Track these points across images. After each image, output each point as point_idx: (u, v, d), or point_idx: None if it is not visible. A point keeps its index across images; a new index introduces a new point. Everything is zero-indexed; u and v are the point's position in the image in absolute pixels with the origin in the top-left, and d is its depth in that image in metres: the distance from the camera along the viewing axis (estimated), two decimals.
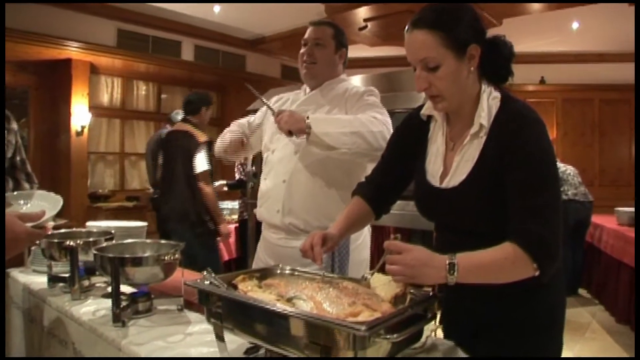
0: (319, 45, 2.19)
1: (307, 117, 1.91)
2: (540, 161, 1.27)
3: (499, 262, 1.21)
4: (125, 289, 1.77)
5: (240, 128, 2.36)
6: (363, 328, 0.92)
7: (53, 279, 2.14)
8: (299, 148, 2.08)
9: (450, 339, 1.41)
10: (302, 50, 2.21)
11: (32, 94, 6.52)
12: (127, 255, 1.74)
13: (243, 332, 1.20)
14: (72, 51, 6.23)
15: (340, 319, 1.00)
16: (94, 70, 6.72)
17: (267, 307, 1.10)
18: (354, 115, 2.00)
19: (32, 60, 6.17)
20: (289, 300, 1.19)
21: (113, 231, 2.26)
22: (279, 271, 1.51)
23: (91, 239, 2.07)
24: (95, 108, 6.89)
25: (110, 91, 7.37)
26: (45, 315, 2.02)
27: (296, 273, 1.50)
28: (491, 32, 1.41)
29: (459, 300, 1.37)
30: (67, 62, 6.26)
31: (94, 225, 2.58)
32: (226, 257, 5.63)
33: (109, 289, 1.86)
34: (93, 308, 1.81)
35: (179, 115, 6.00)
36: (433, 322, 1.27)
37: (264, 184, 2.25)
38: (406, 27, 1.36)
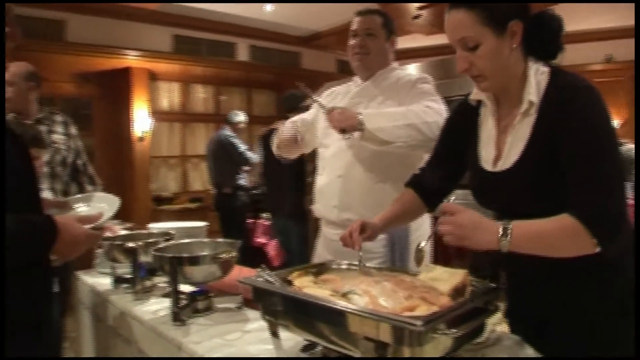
0: (371, 35, 2.14)
1: (359, 114, 1.87)
2: (595, 128, 1.19)
3: (555, 232, 1.15)
4: (185, 288, 1.80)
5: (294, 126, 2.34)
6: (419, 323, 0.87)
7: (117, 280, 2.20)
8: (353, 142, 2.04)
9: (517, 334, 1.33)
10: (352, 42, 2.17)
11: (96, 104, 6.77)
12: (184, 255, 1.75)
13: (298, 329, 1.18)
14: (131, 60, 6.43)
15: (395, 314, 0.96)
16: (152, 77, 6.90)
17: (320, 302, 1.07)
18: (407, 107, 1.94)
19: (94, 71, 6.40)
20: (344, 295, 1.16)
21: (173, 232, 2.30)
22: (335, 266, 1.48)
23: (151, 240, 2.12)
24: (156, 113, 7.07)
25: (169, 96, 7.56)
26: (110, 315, 2.07)
27: (353, 268, 1.46)
28: None
29: (524, 291, 1.30)
30: (126, 71, 6.46)
31: (155, 227, 2.64)
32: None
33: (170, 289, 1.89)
34: (154, 307, 1.84)
35: (237, 116, 6.09)
36: (497, 316, 1.21)
37: (320, 179, 2.23)
38: (445, 10, 1.33)
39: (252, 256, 5.89)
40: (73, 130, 2.90)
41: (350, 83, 2.29)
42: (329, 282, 1.29)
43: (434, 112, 1.89)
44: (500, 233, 1.13)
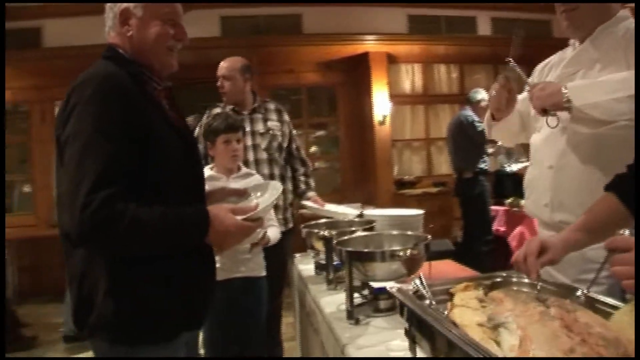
0: None
1: (565, 87, 1.51)
2: None
3: None
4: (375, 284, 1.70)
5: (505, 80, 1.95)
6: None
7: (318, 267, 2.22)
8: (565, 124, 1.64)
9: None
10: None
11: (339, 90, 7.09)
12: (360, 249, 1.66)
13: (428, 349, 0.98)
14: (368, 44, 6.52)
15: None
16: (391, 60, 6.90)
17: (440, 331, 0.86)
18: (632, 71, 1.47)
19: (334, 59, 6.67)
20: (495, 327, 0.91)
21: (384, 219, 2.22)
22: (515, 279, 1.21)
23: (350, 229, 2.08)
24: (397, 96, 7.09)
25: (410, 78, 7.49)
26: (306, 302, 2.10)
27: (538, 285, 1.15)
28: None
29: None
30: (364, 56, 6.57)
31: (368, 213, 2.60)
32: None
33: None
34: (341, 300, 1.78)
35: (478, 94, 5.71)
36: None
37: (530, 171, 1.88)
38: None
39: (495, 246, 5.50)
40: (285, 116, 3.05)
41: (568, 49, 1.87)
42: (494, 303, 1.04)
43: None
44: None
